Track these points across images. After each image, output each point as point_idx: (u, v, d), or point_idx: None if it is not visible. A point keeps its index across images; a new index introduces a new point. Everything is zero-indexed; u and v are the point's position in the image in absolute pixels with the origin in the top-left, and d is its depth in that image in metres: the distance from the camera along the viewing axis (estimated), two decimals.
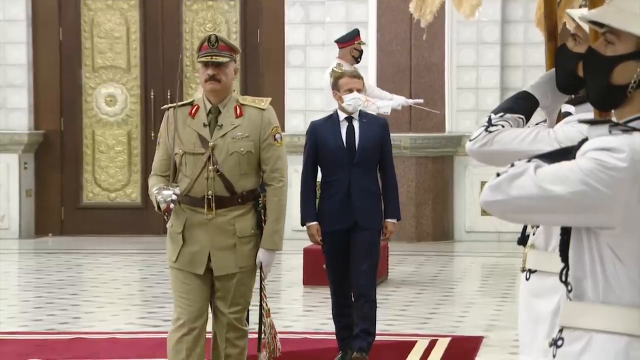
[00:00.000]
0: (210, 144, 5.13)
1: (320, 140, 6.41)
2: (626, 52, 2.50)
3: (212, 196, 5.10)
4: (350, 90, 6.44)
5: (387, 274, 9.81)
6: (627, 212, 2.42)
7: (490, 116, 3.34)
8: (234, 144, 5.13)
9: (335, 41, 9.99)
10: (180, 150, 5.15)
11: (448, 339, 7.38)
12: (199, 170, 5.12)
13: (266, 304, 5.36)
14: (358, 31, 10.01)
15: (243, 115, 5.17)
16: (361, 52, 9.82)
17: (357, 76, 6.65)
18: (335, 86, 6.56)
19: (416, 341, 7.32)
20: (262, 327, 5.39)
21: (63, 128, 12.90)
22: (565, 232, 2.54)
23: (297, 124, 12.10)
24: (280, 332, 7.34)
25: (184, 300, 5.14)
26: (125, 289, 9.61)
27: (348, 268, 6.36)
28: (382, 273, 9.63)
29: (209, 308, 5.23)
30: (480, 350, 7.14)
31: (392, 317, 8.15)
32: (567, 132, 3.41)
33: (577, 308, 2.51)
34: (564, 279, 2.54)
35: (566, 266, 2.55)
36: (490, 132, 3.30)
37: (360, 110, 6.53)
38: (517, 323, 3.95)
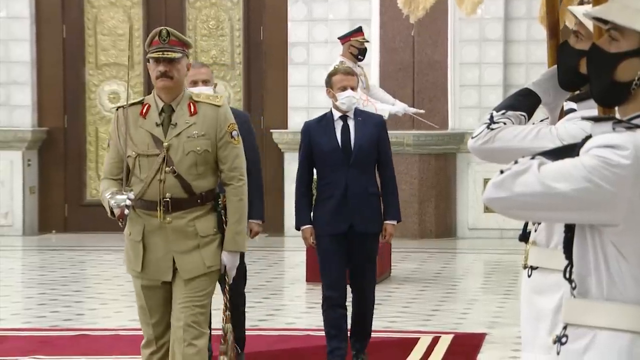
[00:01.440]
0: (165, 144, 4.83)
1: (315, 141, 6.16)
2: (630, 49, 2.49)
3: (169, 199, 4.80)
4: (344, 88, 6.18)
5: (390, 271, 9.81)
6: (630, 210, 2.42)
7: (492, 113, 3.33)
8: (190, 143, 4.83)
9: (338, 38, 9.97)
10: (134, 153, 4.83)
11: (451, 336, 7.38)
12: (154, 173, 4.82)
13: (227, 310, 5.06)
14: (360, 28, 9.96)
15: (198, 113, 4.87)
16: (363, 50, 9.73)
17: (350, 73, 6.34)
18: (328, 84, 6.29)
19: (419, 338, 7.32)
20: (222, 332, 5.10)
21: (66, 125, 12.90)
22: (569, 230, 2.54)
23: (299, 122, 12.05)
24: (284, 329, 7.34)
25: (150, 320, 4.91)
26: (128, 285, 9.60)
27: (343, 272, 6.15)
28: (384, 270, 9.63)
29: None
30: (483, 347, 7.14)
31: (395, 314, 8.15)
32: (568, 129, 3.40)
33: (581, 305, 2.50)
34: (567, 276, 2.54)
35: (570, 263, 2.54)
36: (492, 129, 3.29)
37: (355, 108, 6.29)
38: (519, 320, 3.95)
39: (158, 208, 4.80)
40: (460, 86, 12.22)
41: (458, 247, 11.87)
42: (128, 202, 4.69)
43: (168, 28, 4.91)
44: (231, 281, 4.99)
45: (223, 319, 5.05)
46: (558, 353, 2.53)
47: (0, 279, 10.19)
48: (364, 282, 6.19)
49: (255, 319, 7.92)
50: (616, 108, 2.57)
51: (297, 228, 6.22)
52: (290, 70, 12.41)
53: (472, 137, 3.34)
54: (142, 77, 12.79)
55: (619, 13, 2.49)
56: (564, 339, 2.52)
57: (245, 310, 6.38)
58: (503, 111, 3.33)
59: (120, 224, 4.82)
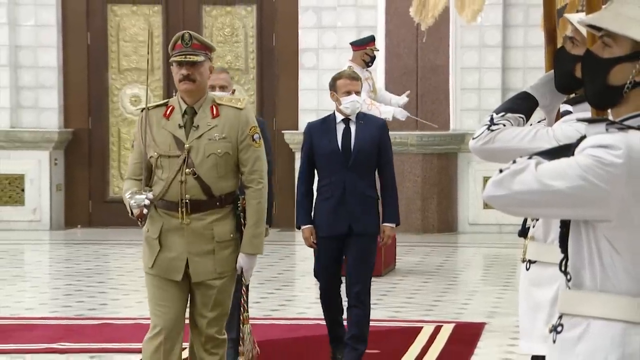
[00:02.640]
0: (186, 145, 4.63)
1: (316, 142, 5.88)
2: (622, 54, 2.48)
3: (188, 200, 4.60)
4: (349, 93, 5.88)
5: (395, 263, 9.80)
6: (623, 206, 2.41)
7: (492, 115, 3.33)
8: (210, 146, 4.64)
9: (351, 43, 9.94)
10: (155, 153, 4.65)
11: (452, 325, 7.37)
12: (174, 174, 4.62)
13: (246, 311, 4.89)
14: (373, 37, 9.94)
15: (220, 116, 4.67)
16: (373, 57, 9.72)
17: (355, 78, 6.01)
18: (332, 87, 5.97)
19: (422, 327, 7.30)
20: (241, 334, 4.95)
21: (91, 126, 12.92)
22: (565, 225, 2.53)
23: None
24: (294, 319, 7.30)
25: (160, 308, 4.64)
26: None
27: (339, 274, 5.92)
28: (389, 263, 9.61)
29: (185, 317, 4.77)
30: (483, 335, 7.12)
31: (399, 305, 8.14)
32: (564, 130, 3.40)
33: (576, 296, 2.50)
34: (563, 269, 2.53)
35: (565, 257, 2.54)
36: (492, 130, 3.29)
37: (358, 111, 5.97)
38: (517, 310, 3.94)
39: (179, 209, 4.60)
40: (461, 89, 12.20)
41: (459, 241, 11.85)
42: (147, 202, 4.53)
43: (191, 32, 4.71)
44: (248, 283, 4.80)
45: (241, 321, 4.91)
46: (554, 341, 2.53)
47: (28, 271, 10.22)
48: (359, 284, 5.81)
49: (268, 309, 7.92)
50: (609, 110, 2.57)
51: (298, 227, 6.00)
52: (300, 74, 12.41)
53: (473, 138, 3.33)
54: (162, 81, 12.80)
55: (611, 21, 2.48)
56: (559, 328, 2.51)
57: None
58: (502, 113, 3.32)
59: (139, 223, 4.63)
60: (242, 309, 4.87)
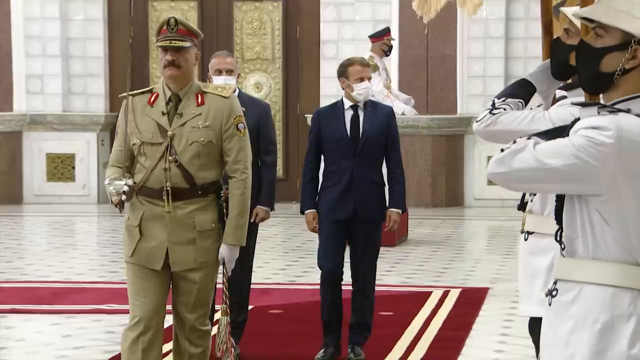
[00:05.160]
0: (169, 133, 4.12)
1: (324, 129, 5.33)
2: (613, 44, 2.47)
3: (169, 188, 4.10)
4: (362, 79, 5.32)
5: (407, 234, 9.80)
6: (612, 182, 2.40)
7: (494, 100, 3.31)
8: (194, 134, 4.12)
9: (369, 36, 9.97)
10: (138, 140, 4.16)
11: (459, 290, 7.36)
12: (157, 161, 4.12)
13: (226, 303, 4.27)
14: (389, 29, 9.99)
15: (205, 104, 4.15)
16: (390, 47, 9.78)
17: (367, 64, 5.44)
18: (343, 74, 5.38)
19: (432, 292, 7.30)
20: (219, 326, 4.30)
21: None
22: (560, 199, 2.52)
23: None
24: (317, 284, 7.29)
25: (140, 298, 4.16)
26: None
27: (342, 258, 5.32)
28: (402, 234, 9.60)
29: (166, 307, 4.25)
30: (487, 299, 7.11)
31: (411, 272, 8.14)
32: (559, 113, 3.38)
33: (570, 263, 2.49)
34: (558, 239, 2.53)
35: (560, 228, 2.53)
36: (494, 114, 3.28)
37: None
38: (517, 276, 3.93)
39: (161, 197, 4.11)
40: (467, 77, 12.16)
41: (465, 214, 11.83)
42: (125, 189, 4.08)
43: (177, 17, 4.19)
44: (230, 274, 4.23)
45: (220, 312, 4.30)
46: (550, 304, 2.52)
47: (79, 241, 10.29)
48: (364, 268, 5.30)
49: (293, 275, 7.94)
50: (601, 95, 2.55)
51: (302, 212, 5.37)
52: (322, 64, 12.40)
53: (477, 121, 3.32)
54: (197, 70, 12.80)
55: (603, 13, 2.47)
56: (554, 292, 2.51)
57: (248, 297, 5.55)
58: (503, 98, 3.31)
59: (119, 209, 4.16)
60: (223, 301, 4.27)
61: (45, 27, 12.58)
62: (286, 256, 8.76)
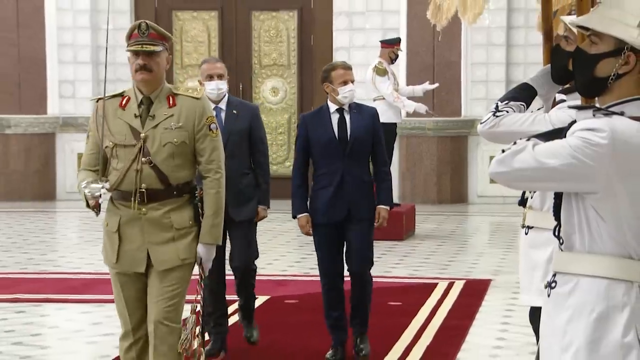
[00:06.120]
0: (142, 135, 3.95)
1: (311, 133, 5.14)
2: (607, 51, 2.46)
3: (144, 189, 3.93)
4: (345, 82, 5.13)
5: (414, 229, 9.79)
6: (607, 180, 2.39)
7: (497, 103, 3.31)
8: (167, 135, 3.95)
9: (381, 41, 10.01)
10: (111, 143, 3.97)
11: (463, 282, 7.36)
12: (130, 163, 3.94)
13: (200, 301, 4.06)
14: (399, 39, 10.04)
15: (176, 105, 3.98)
16: (397, 56, 9.84)
17: (349, 67, 5.22)
18: (327, 79, 5.18)
19: (437, 283, 7.30)
20: (187, 323, 4.05)
21: None
22: (558, 197, 2.52)
23: None
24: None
25: (126, 311, 4.03)
26: None
27: (340, 260, 5.20)
28: (410, 229, 9.61)
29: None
30: (489, 290, 7.10)
31: (418, 264, 8.14)
32: (559, 115, 3.37)
33: (568, 257, 2.49)
34: (556, 233, 2.53)
35: (558, 224, 2.53)
36: (498, 116, 3.27)
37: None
38: (518, 269, 3.93)
39: (133, 198, 3.93)
40: (471, 82, 12.14)
41: (469, 211, 11.82)
42: (102, 192, 3.89)
43: (148, 21, 4.02)
44: (207, 274, 4.06)
45: (191, 310, 4.04)
46: (549, 295, 2.52)
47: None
48: (360, 265, 5.17)
49: (307, 267, 7.94)
50: (596, 98, 2.55)
51: (294, 216, 5.19)
52: None
53: (481, 123, 3.32)
54: None
55: (598, 22, 2.46)
56: (553, 284, 2.51)
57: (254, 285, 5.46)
58: (506, 102, 3.30)
59: (95, 212, 3.95)
60: (194, 300, 4.06)
61: (77, 36, 12.64)
62: (301, 249, 8.77)
